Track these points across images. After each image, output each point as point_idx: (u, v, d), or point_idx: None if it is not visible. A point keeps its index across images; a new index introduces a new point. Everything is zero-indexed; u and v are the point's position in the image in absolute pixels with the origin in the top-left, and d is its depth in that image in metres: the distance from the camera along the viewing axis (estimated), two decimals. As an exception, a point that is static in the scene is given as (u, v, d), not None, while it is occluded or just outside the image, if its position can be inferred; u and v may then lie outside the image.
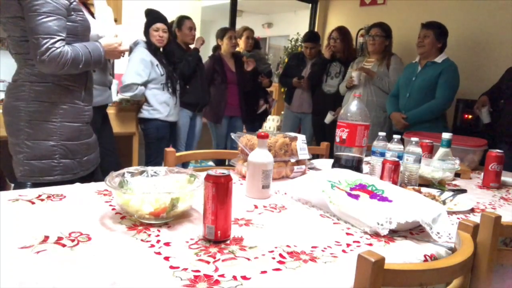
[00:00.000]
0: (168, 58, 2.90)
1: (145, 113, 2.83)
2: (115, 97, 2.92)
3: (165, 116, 2.85)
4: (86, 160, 1.64)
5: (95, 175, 1.71)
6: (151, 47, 2.77)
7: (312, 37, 3.73)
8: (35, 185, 1.48)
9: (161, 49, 2.86)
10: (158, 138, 2.89)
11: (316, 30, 4.53)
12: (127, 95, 2.75)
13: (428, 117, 2.68)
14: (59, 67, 1.43)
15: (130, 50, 2.69)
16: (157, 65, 2.78)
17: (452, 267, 0.75)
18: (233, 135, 1.48)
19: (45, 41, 1.38)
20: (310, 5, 4.73)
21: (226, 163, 2.76)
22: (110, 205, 1.02)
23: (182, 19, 3.11)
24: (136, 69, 2.69)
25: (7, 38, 1.53)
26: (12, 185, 2.45)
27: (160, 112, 2.83)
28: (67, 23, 1.47)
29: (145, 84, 2.76)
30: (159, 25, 2.75)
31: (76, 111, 1.57)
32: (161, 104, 2.83)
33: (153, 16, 2.78)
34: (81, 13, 1.54)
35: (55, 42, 1.41)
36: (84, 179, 1.57)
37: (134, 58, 2.73)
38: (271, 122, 5.93)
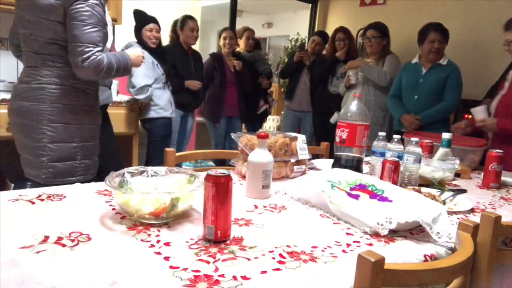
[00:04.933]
0: (162, 58, 2.89)
1: (152, 113, 2.84)
2: (115, 97, 2.92)
3: (170, 113, 2.93)
4: (97, 160, 1.71)
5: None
6: (146, 48, 2.74)
7: (323, 34, 3.82)
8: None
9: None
10: (164, 136, 2.93)
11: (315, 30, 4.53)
12: (141, 97, 2.75)
13: (440, 118, 2.71)
14: (96, 72, 1.51)
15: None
16: (157, 65, 2.80)
17: (452, 267, 0.75)
18: (233, 135, 1.48)
19: (88, 49, 1.47)
20: (310, 5, 4.73)
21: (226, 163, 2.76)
22: (110, 205, 1.02)
23: (185, 20, 3.09)
24: (144, 71, 2.68)
25: (28, 35, 1.54)
26: (12, 185, 2.45)
27: (166, 110, 2.89)
28: None
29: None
30: (152, 25, 2.74)
31: (92, 113, 1.65)
32: (165, 103, 2.88)
33: (145, 17, 2.76)
34: (106, 25, 1.61)
35: (97, 51, 1.50)
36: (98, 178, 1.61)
37: None
38: (271, 122, 5.93)
